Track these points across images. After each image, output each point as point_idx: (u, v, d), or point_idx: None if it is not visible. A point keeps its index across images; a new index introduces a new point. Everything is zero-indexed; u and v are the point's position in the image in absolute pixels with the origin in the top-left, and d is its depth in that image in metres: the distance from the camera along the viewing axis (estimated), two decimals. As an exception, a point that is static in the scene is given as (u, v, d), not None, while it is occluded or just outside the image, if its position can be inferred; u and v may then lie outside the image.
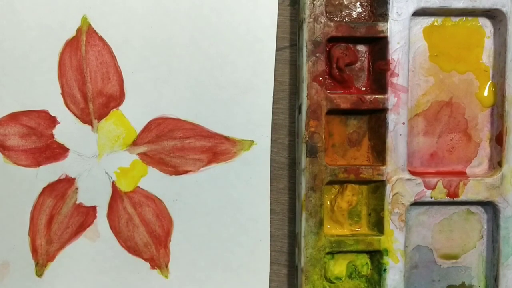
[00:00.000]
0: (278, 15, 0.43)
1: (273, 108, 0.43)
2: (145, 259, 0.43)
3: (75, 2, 0.42)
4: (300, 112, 0.42)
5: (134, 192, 0.43)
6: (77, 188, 0.43)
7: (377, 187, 0.42)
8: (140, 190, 0.43)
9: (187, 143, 0.43)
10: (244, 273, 0.43)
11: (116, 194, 0.43)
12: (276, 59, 0.43)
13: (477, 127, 0.44)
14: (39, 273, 0.43)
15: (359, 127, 0.43)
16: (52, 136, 0.42)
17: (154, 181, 0.43)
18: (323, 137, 0.41)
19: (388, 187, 0.41)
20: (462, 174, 0.44)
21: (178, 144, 0.43)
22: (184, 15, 0.42)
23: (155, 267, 0.43)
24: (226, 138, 0.43)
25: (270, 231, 0.44)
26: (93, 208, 0.43)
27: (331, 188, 0.43)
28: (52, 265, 0.43)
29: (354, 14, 0.43)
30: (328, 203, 0.43)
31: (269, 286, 0.44)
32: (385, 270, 0.42)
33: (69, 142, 0.42)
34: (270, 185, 0.43)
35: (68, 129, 0.42)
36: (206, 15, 0.42)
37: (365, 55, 0.43)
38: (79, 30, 0.42)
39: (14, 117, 0.42)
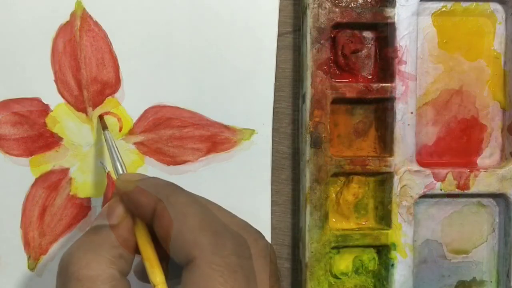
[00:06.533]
0: None
1: (275, 95, 0.43)
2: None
3: (69, -15, 0.42)
4: (304, 101, 0.42)
5: (131, 183, 0.43)
6: (71, 179, 0.43)
7: (385, 179, 0.42)
8: (137, 181, 0.43)
9: (185, 132, 0.43)
10: (245, 268, 0.43)
11: (111, 185, 0.43)
12: (278, 45, 0.43)
13: (488, 116, 0.44)
14: (32, 267, 0.43)
15: (365, 116, 0.43)
16: (45, 124, 0.42)
17: (151, 171, 0.43)
18: (328, 127, 0.41)
19: (396, 179, 0.41)
20: (473, 165, 0.44)
21: (176, 133, 0.42)
22: (183, -1, 0.42)
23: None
24: (226, 127, 0.43)
25: (272, 224, 0.43)
26: (88, 200, 0.43)
27: (337, 180, 0.43)
28: (45, 258, 0.43)
29: (360, -2, 0.43)
30: (334, 195, 0.43)
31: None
32: (393, 265, 0.42)
33: (63, 131, 0.42)
34: (272, 176, 0.43)
35: (62, 117, 0.42)
36: None
37: (372, 42, 0.43)
38: (73, 15, 0.42)
39: (5, 105, 0.42)
